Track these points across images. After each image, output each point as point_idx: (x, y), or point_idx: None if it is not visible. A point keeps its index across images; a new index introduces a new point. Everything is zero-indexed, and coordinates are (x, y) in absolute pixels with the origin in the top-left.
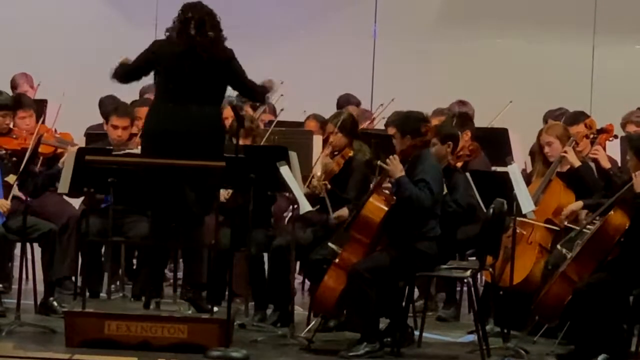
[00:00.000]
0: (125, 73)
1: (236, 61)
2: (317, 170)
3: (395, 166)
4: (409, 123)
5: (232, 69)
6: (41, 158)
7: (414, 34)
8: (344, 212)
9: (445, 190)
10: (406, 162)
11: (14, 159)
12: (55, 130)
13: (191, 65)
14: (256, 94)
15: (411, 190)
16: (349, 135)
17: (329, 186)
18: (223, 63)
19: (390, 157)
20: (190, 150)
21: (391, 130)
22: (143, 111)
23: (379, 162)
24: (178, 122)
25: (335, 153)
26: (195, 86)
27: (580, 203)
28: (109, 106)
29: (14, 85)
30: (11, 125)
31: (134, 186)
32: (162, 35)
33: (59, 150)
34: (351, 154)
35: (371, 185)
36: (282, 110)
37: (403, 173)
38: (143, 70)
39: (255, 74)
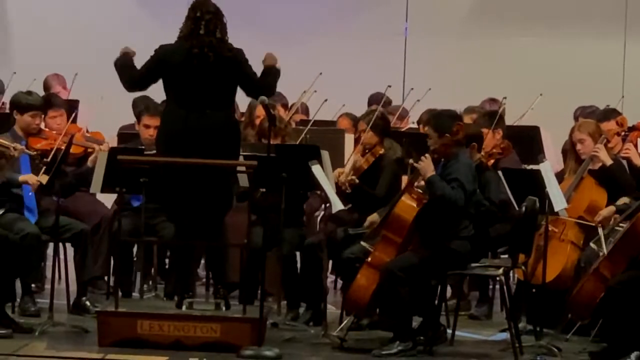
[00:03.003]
0: (132, 81)
1: (247, 63)
2: (346, 167)
3: (427, 165)
4: (445, 121)
5: (242, 71)
6: (71, 158)
7: (445, 31)
8: (375, 217)
9: (478, 190)
10: (440, 160)
11: (45, 159)
12: (87, 130)
13: (199, 65)
14: (265, 89)
15: (443, 190)
16: (380, 133)
17: (356, 181)
18: (231, 63)
19: (423, 156)
20: (206, 151)
21: (426, 129)
22: None
23: (410, 161)
24: (191, 125)
25: (366, 150)
26: (206, 89)
27: (612, 208)
28: (141, 106)
29: (46, 86)
30: (42, 126)
31: (164, 186)
32: None
33: (89, 150)
34: (382, 151)
35: (403, 184)
36: (325, 100)
37: (434, 172)
38: (150, 79)
39: (286, 72)
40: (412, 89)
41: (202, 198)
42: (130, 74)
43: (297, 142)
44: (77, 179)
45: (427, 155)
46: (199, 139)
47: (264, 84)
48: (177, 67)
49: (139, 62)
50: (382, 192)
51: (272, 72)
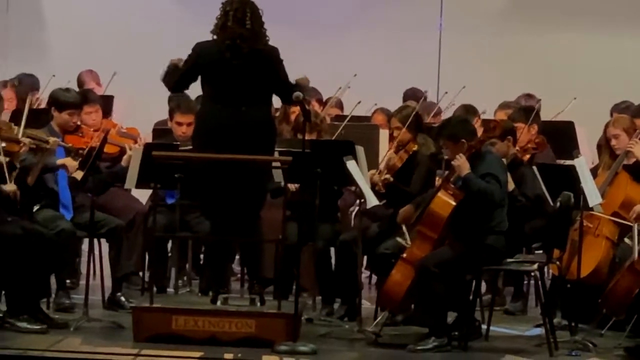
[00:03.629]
0: (174, 83)
1: (281, 64)
2: (381, 165)
3: (463, 163)
4: (455, 127)
5: (276, 68)
6: (106, 156)
7: (480, 27)
8: (408, 211)
9: (513, 185)
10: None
11: (81, 152)
12: (122, 126)
13: (232, 57)
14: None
15: (479, 185)
16: (413, 130)
17: (390, 179)
18: (266, 57)
19: (458, 155)
20: (241, 148)
21: (443, 142)
22: None
23: (445, 156)
24: (228, 121)
25: (400, 147)
26: (241, 84)
27: None
28: (173, 103)
29: (80, 83)
30: (78, 123)
31: (199, 182)
32: None
33: (124, 149)
34: (415, 148)
35: (437, 180)
36: (359, 102)
37: (469, 170)
38: (190, 78)
39: (322, 67)
40: (446, 92)
41: (237, 194)
42: (172, 77)
43: (333, 138)
44: (110, 178)
45: (461, 154)
46: (235, 136)
47: (293, 89)
48: (212, 63)
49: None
50: (417, 188)
51: (301, 86)
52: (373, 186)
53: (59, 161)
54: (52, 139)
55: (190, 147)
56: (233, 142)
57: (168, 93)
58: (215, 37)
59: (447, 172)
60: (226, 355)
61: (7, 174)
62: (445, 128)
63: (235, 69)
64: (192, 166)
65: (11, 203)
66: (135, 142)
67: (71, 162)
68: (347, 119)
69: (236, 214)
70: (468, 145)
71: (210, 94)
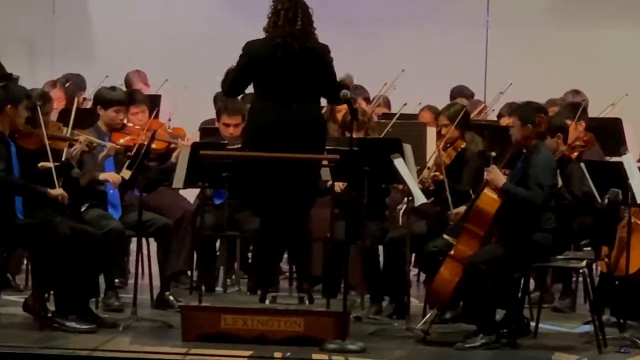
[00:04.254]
0: (228, 86)
1: (331, 60)
2: (429, 163)
3: (496, 175)
4: (530, 112)
5: (326, 65)
6: (154, 154)
7: (527, 23)
8: (463, 210)
9: (561, 182)
10: (522, 151)
11: (129, 153)
12: (169, 126)
13: (283, 56)
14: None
15: (519, 193)
16: (460, 127)
17: (441, 177)
18: (316, 55)
19: (489, 168)
20: (292, 146)
21: (510, 120)
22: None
23: (492, 153)
24: (279, 119)
25: (448, 145)
26: (291, 82)
27: None
28: (220, 103)
29: (128, 83)
30: (125, 121)
31: (248, 181)
32: None
33: (172, 146)
34: (463, 145)
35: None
36: (405, 104)
37: (504, 179)
38: (243, 78)
39: (369, 65)
40: (500, 93)
41: (287, 192)
42: (227, 81)
43: (381, 136)
44: (160, 174)
45: (493, 166)
46: (285, 134)
47: (343, 96)
48: (262, 61)
49: (221, 59)
50: (465, 187)
51: (346, 86)
52: (423, 184)
53: (102, 177)
54: (109, 144)
55: (239, 145)
56: (284, 140)
57: (214, 93)
58: (265, 35)
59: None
60: (276, 354)
61: (55, 178)
62: (520, 107)
63: (286, 67)
64: (240, 164)
65: (59, 205)
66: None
67: (114, 177)
68: (396, 117)
69: (285, 212)
70: (529, 132)
71: (261, 92)
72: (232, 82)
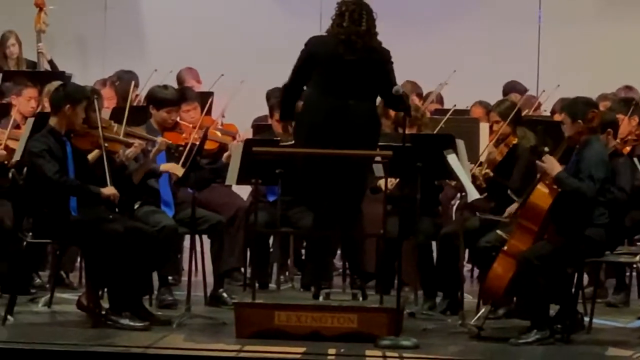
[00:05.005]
0: (290, 82)
1: (392, 64)
2: (482, 159)
3: (552, 164)
4: (580, 108)
5: (386, 68)
6: (205, 152)
7: (579, 18)
8: (514, 208)
9: None
10: (574, 147)
11: (180, 148)
12: (222, 123)
13: (346, 53)
14: (396, 103)
15: (571, 184)
16: (512, 123)
17: (491, 174)
18: (378, 55)
19: (544, 156)
20: (347, 141)
21: (561, 116)
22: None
23: (545, 149)
24: (335, 114)
25: (500, 141)
26: (351, 80)
27: None
28: (273, 100)
29: (180, 80)
30: (177, 119)
31: (302, 177)
32: (326, 28)
33: (224, 145)
34: (515, 141)
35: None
36: (454, 106)
37: (560, 169)
38: (304, 73)
39: (420, 60)
40: (543, 90)
41: (340, 188)
42: (289, 79)
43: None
44: (211, 173)
45: (548, 155)
46: (341, 129)
47: (395, 92)
48: (324, 55)
49: (274, 55)
50: (517, 183)
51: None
52: (474, 181)
53: (163, 167)
54: (160, 139)
55: (292, 142)
56: (338, 135)
57: (266, 89)
58: (327, 33)
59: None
60: (330, 351)
61: (108, 177)
62: (570, 104)
63: (346, 63)
64: (294, 161)
65: (111, 203)
66: (234, 138)
67: (175, 168)
68: (450, 112)
69: (338, 208)
70: (581, 128)
71: (319, 86)
72: (294, 77)
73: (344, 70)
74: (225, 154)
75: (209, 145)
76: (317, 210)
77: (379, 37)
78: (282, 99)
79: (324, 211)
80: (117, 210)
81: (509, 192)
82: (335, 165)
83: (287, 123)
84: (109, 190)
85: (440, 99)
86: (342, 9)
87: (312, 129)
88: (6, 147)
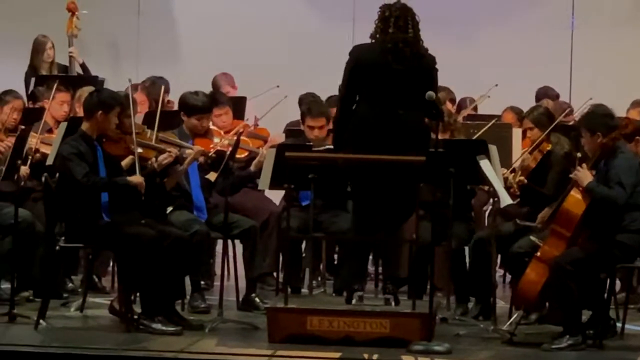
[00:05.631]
0: (342, 95)
1: (437, 71)
2: (516, 165)
3: (583, 175)
4: (597, 120)
5: (432, 76)
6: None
7: (612, 23)
8: (546, 213)
9: None
10: (600, 159)
11: (211, 154)
12: (255, 126)
13: (394, 61)
14: (438, 113)
15: (601, 192)
16: (545, 129)
17: (525, 181)
18: (426, 63)
19: (579, 167)
20: (397, 152)
21: (582, 131)
22: (333, 111)
23: (579, 154)
24: (385, 124)
25: (533, 148)
26: (400, 88)
27: None
28: (305, 106)
29: (215, 86)
30: (209, 125)
31: (335, 182)
32: (359, 32)
33: (253, 154)
34: (549, 147)
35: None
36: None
37: (590, 178)
38: (352, 83)
39: (453, 66)
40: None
41: (390, 195)
42: (339, 99)
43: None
44: (240, 179)
45: (583, 165)
46: (390, 139)
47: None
48: (371, 65)
49: (307, 60)
50: (551, 189)
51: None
52: (507, 188)
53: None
54: (195, 148)
55: (324, 147)
56: (388, 145)
57: (299, 93)
58: (372, 41)
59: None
60: (365, 355)
61: (137, 169)
62: (586, 118)
63: (395, 72)
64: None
65: (136, 195)
66: (265, 142)
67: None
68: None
69: (384, 214)
70: (601, 140)
71: (367, 96)
72: (345, 89)
73: (392, 80)
74: (255, 160)
75: (238, 153)
76: (360, 216)
77: None
78: (338, 118)
79: (367, 217)
80: (151, 214)
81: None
82: (384, 173)
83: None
84: (137, 178)
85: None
86: (385, 14)
87: (361, 138)
88: (37, 151)
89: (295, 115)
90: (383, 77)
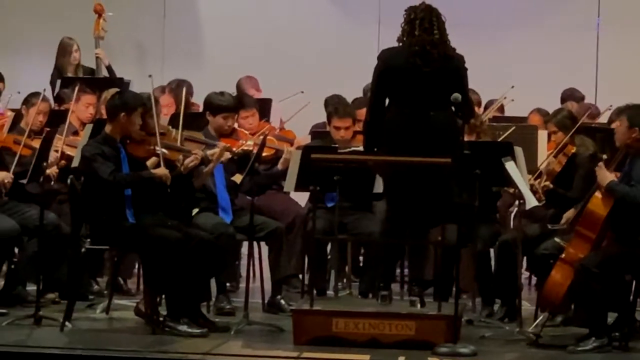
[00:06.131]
0: (371, 101)
1: (466, 70)
2: (542, 168)
3: (603, 174)
4: (638, 114)
5: (461, 76)
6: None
7: (638, 24)
8: (572, 213)
9: None
10: (624, 158)
11: (236, 150)
12: (281, 128)
13: (423, 64)
14: (469, 113)
15: (621, 190)
16: (568, 132)
17: (550, 186)
18: (454, 63)
19: (598, 165)
20: (429, 154)
21: (619, 121)
22: (362, 113)
23: (604, 156)
24: (416, 127)
25: (558, 151)
26: (429, 90)
27: None
28: (331, 107)
29: (239, 89)
30: (235, 126)
31: (360, 183)
32: (384, 35)
33: (279, 153)
34: (573, 150)
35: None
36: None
37: (611, 178)
38: (381, 88)
39: (479, 68)
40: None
41: (419, 198)
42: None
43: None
44: (266, 180)
45: (601, 164)
46: (422, 141)
47: (470, 105)
48: (399, 69)
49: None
50: (577, 193)
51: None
52: (533, 193)
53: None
54: (220, 144)
55: (352, 149)
56: (420, 147)
57: (324, 95)
58: (399, 44)
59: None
60: (390, 358)
61: (162, 163)
62: (633, 109)
63: (424, 75)
64: (375, 167)
65: (162, 189)
66: (291, 145)
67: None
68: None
69: (413, 217)
70: (636, 136)
71: (397, 100)
72: (373, 95)
73: (422, 82)
74: (281, 160)
75: (264, 152)
76: (392, 218)
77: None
78: (368, 122)
79: (398, 219)
80: (176, 216)
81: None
82: (416, 175)
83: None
84: (161, 170)
85: (499, 107)
86: (411, 17)
87: (394, 142)
88: (62, 154)
89: (319, 118)
90: (412, 80)
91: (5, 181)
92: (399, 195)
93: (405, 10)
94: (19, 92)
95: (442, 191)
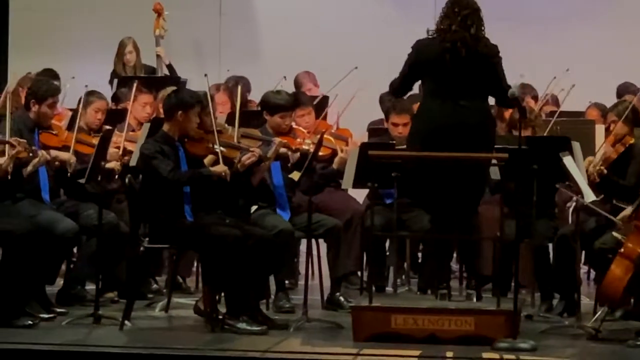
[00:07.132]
0: (397, 86)
1: (499, 63)
2: (596, 157)
3: None
4: None
5: (495, 69)
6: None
7: None
8: (628, 212)
9: None
10: None
11: (293, 146)
12: (337, 127)
13: (451, 60)
14: (507, 101)
15: None
16: (629, 123)
17: (604, 171)
18: (485, 59)
19: None
20: (462, 143)
21: None
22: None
23: None
24: (448, 117)
25: (617, 141)
26: (460, 81)
27: None
28: (388, 103)
29: (297, 84)
30: (293, 124)
31: (418, 180)
32: None
33: (337, 148)
34: (632, 141)
35: None
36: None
37: None
38: (411, 77)
39: (537, 62)
40: None
41: (457, 191)
42: (395, 81)
43: (546, 134)
44: (322, 178)
45: None
46: (454, 131)
47: (510, 95)
48: (430, 62)
49: (389, 59)
50: (632, 181)
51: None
52: (588, 177)
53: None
54: (276, 139)
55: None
56: (453, 137)
57: (379, 93)
58: (436, 35)
59: None
60: (447, 353)
61: (221, 161)
62: None
63: (453, 67)
64: (408, 164)
65: (221, 186)
66: (347, 143)
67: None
68: (556, 114)
69: (455, 210)
70: None
71: (429, 90)
72: (400, 80)
73: (451, 74)
74: (337, 158)
75: (321, 151)
76: (433, 213)
77: (496, 38)
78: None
79: (440, 214)
80: (235, 214)
81: (614, 201)
82: (451, 167)
83: None
84: (220, 167)
85: (555, 101)
86: (454, 10)
87: (427, 133)
88: (124, 150)
89: (375, 115)
90: (442, 73)
91: (71, 161)
92: (436, 189)
93: (452, 2)
94: (86, 86)
95: (478, 182)
